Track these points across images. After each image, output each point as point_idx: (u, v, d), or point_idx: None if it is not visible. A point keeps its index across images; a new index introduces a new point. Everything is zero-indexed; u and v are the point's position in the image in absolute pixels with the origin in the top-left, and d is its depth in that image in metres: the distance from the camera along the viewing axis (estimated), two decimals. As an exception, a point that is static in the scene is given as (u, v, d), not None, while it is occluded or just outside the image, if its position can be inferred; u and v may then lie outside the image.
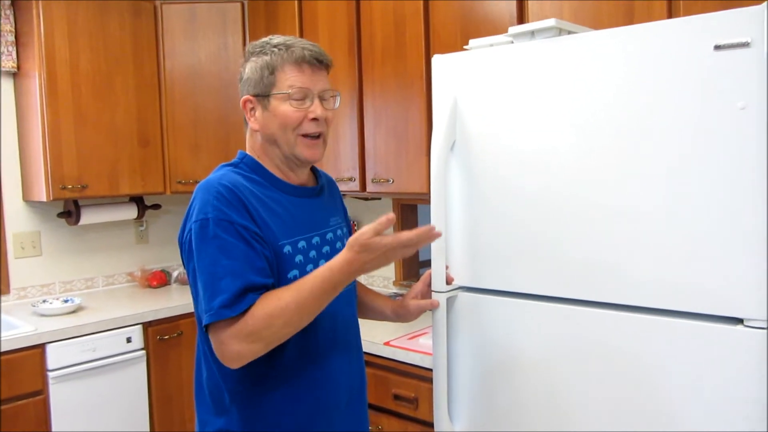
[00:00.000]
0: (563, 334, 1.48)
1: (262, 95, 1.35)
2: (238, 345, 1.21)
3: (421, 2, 2.34)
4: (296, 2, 2.78)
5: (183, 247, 1.32)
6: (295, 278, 1.31)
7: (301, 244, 1.36)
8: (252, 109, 1.38)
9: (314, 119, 1.35)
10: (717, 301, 1.26)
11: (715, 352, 1.27)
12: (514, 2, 2.08)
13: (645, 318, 1.35)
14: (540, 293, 1.52)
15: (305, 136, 1.35)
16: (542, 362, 1.52)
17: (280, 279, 1.30)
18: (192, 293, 1.33)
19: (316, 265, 1.36)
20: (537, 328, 1.52)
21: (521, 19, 2.08)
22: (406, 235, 1.24)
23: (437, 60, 1.67)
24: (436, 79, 1.67)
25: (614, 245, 1.39)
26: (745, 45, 1.18)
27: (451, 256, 1.67)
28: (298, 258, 1.34)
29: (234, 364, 1.25)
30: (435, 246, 1.60)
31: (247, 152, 1.42)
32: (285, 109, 1.33)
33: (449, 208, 1.66)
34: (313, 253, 1.38)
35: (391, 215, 1.20)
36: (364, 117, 2.59)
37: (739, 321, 1.25)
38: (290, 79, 1.33)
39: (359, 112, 2.59)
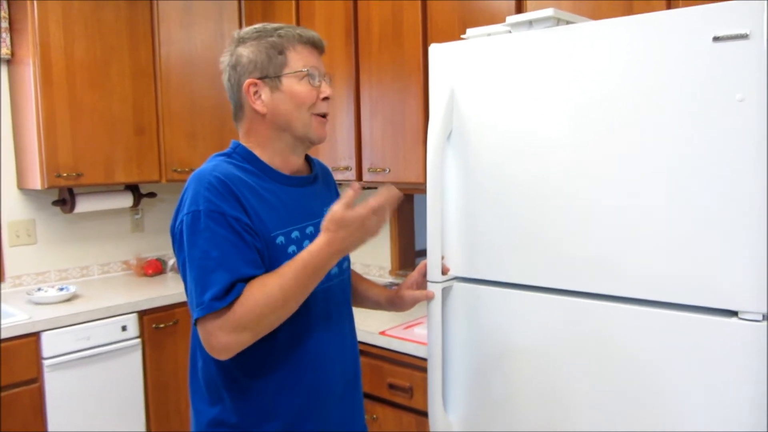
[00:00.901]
0: (559, 325, 1.48)
1: (272, 76, 1.33)
2: (226, 336, 1.21)
3: (419, -9, 2.32)
4: (293, -10, 2.77)
5: (174, 238, 1.31)
6: None
7: (295, 234, 1.35)
8: (256, 92, 1.35)
9: (326, 98, 1.36)
10: (712, 294, 1.26)
11: (710, 344, 1.27)
12: (513, -8, 2.07)
13: (640, 310, 1.36)
14: (536, 284, 1.52)
15: (317, 115, 1.37)
16: (537, 353, 1.52)
17: (272, 270, 1.29)
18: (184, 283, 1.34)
19: None
20: (533, 319, 1.52)
21: (520, 9, 2.07)
22: (374, 200, 1.22)
23: (434, 49, 1.66)
24: (433, 69, 1.66)
25: (610, 237, 1.38)
26: (744, 37, 1.18)
27: (447, 246, 1.66)
28: (291, 248, 1.33)
29: (222, 356, 1.25)
30: (431, 236, 1.60)
31: (240, 141, 1.41)
32: (301, 88, 1.33)
33: (446, 199, 1.65)
34: (306, 243, 1.36)
35: (356, 185, 1.20)
36: (360, 106, 2.57)
37: (734, 313, 1.25)
38: (303, 58, 1.34)
39: (356, 101, 2.58)
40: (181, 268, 1.30)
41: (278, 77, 1.33)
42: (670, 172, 1.29)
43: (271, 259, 1.30)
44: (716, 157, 1.24)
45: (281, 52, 1.33)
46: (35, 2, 2.64)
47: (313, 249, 1.24)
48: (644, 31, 1.31)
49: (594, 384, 1.43)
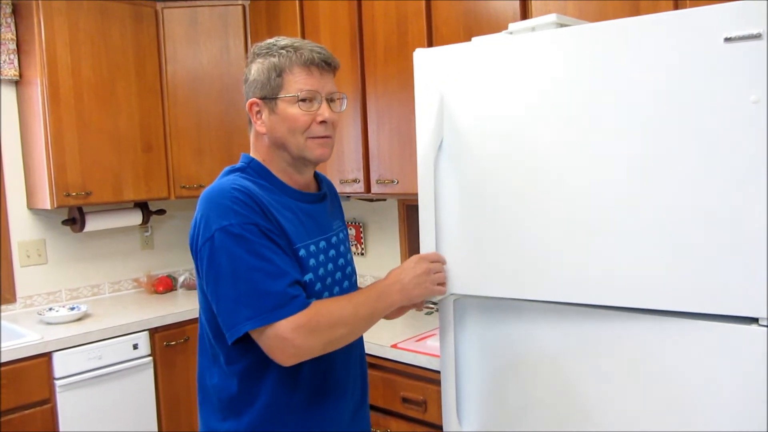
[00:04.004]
0: (574, 336, 1.44)
1: (270, 98, 1.33)
2: (303, 340, 1.21)
3: (423, 1, 2.31)
4: (297, 3, 2.77)
5: (200, 256, 1.27)
6: (311, 281, 1.32)
7: (312, 248, 1.36)
8: (258, 112, 1.35)
9: (323, 122, 1.33)
10: (731, 301, 1.23)
11: (729, 352, 1.24)
12: (518, 1, 2.06)
13: (657, 319, 1.32)
14: (543, 299, 1.45)
15: (315, 137, 1.34)
16: (553, 364, 1.49)
17: None
18: (200, 299, 1.35)
19: (325, 269, 1.37)
20: (546, 330, 1.49)
21: (525, 16, 2.05)
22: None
23: (419, 54, 1.57)
24: (418, 75, 1.57)
25: (623, 246, 1.34)
26: (757, 37, 1.15)
27: (450, 259, 1.57)
28: (312, 261, 1.35)
29: (292, 360, 1.24)
30: (424, 249, 1.54)
31: (252, 156, 1.40)
32: (294, 112, 1.31)
33: (442, 210, 1.56)
34: (321, 257, 1.38)
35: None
36: (367, 118, 2.56)
37: (753, 320, 1.22)
38: (299, 81, 1.31)
39: (362, 112, 2.57)
40: (212, 285, 1.26)
41: (274, 99, 1.32)
42: (683, 177, 1.26)
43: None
44: (731, 160, 1.21)
45: (279, 74, 1.32)
46: (42, 23, 2.65)
47: (385, 282, 1.36)
48: (653, 32, 1.28)
49: (609, 394, 1.40)
